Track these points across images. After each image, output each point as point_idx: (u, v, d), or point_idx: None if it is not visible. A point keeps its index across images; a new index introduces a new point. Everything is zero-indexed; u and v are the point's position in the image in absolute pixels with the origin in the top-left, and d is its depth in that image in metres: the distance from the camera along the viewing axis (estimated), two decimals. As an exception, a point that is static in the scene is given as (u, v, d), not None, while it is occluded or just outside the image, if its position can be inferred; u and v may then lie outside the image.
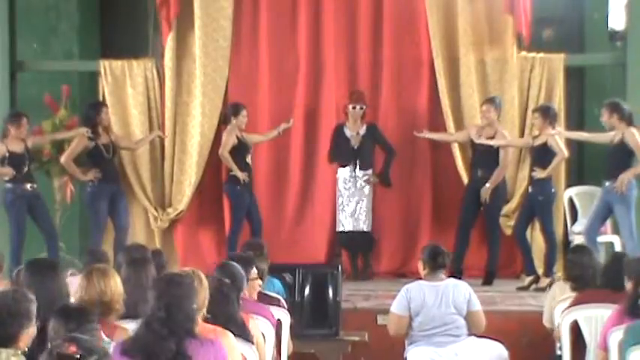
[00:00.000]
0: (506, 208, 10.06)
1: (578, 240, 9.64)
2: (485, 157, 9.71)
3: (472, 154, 9.96)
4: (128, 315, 5.18)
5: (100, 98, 10.42)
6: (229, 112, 10.04)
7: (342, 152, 10.11)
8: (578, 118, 10.80)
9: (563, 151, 9.43)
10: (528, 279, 9.60)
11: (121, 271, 5.70)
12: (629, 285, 5.89)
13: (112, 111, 10.29)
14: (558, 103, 10.11)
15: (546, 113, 9.53)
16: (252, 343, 5.20)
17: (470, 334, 6.80)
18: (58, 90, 10.48)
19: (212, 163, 10.33)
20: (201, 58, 10.34)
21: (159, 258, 6.65)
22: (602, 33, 11.02)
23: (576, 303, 6.50)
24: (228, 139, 9.86)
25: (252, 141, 10.09)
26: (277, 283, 7.22)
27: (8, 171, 9.43)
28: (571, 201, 10.40)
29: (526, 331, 8.15)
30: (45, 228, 9.65)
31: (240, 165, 9.85)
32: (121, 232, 9.87)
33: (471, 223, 9.85)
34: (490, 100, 9.82)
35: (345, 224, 10.10)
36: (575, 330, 6.42)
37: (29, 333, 4.16)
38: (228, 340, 4.63)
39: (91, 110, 9.88)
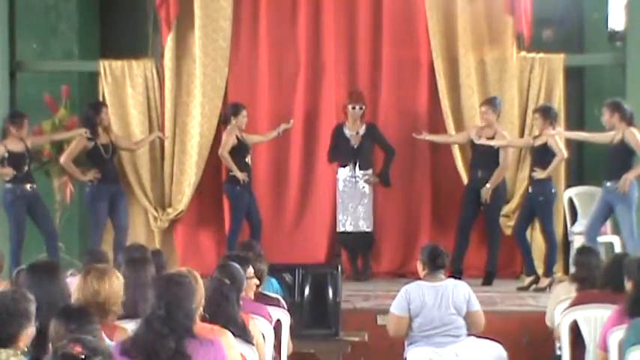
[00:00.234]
0: (507, 208, 10.07)
1: (578, 240, 9.64)
2: (485, 158, 9.71)
3: (472, 155, 9.96)
4: (127, 315, 5.18)
5: (100, 98, 10.42)
6: (229, 112, 10.04)
7: (342, 152, 10.11)
8: (577, 119, 10.80)
9: (562, 152, 9.43)
10: (528, 279, 9.59)
11: (120, 271, 5.68)
12: (629, 285, 5.89)
13: (112, 111, 10.29)
14: (558, 104, 10.11)
15: (546, 113, 9.53)
16: (253, 344, 5.20)
17: (469, 335, 6.81)
18: (58, 90, 10.48)
19: (212, 163, 10.33)
20: (201, 59, 10.35)
21: (159, 258, 6.65)
22: (602, 33, 11.02)
23: (576, 303, 6.50)
24: (228, 139, 9.86)
25: (251, 141, 10.10)
26: (274, 282, 7.21)
27: (8, 171, 9.43)
28: (571, 201, 10.40)
29: (526, 332, 8.16)
30: (45, 228, 9.65)
31: (240, 165, 9.85)
32: (121, 233, 9.86)
33: (470, 223, 9.85)
34: (489, 101, 9.82)
35: (346, 225, 10.10)
36: (575, 330, 6.42)
37: (28, 333, 4.16)
38: (227, 339, 4.64)
39: (90, 110, 9.87)
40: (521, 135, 10.17)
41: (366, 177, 10.10)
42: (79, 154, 9.80)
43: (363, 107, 10.14)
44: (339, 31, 10.52)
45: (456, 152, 10.18)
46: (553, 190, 9.59)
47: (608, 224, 9.78)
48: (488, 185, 9.65)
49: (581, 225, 9.96)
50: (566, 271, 9.84)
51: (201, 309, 4.77)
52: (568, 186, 10.37)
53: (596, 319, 6.26)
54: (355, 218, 10.08)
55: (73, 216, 10.65)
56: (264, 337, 5.63)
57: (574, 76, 10.85)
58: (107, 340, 4.58)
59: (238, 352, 4.80)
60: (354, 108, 10.11)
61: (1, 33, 10.41)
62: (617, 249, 9.40)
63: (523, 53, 10.30)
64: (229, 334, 4.71)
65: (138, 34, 10.98)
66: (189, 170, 10.38)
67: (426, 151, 10.49)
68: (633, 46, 10.15)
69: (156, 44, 10.64)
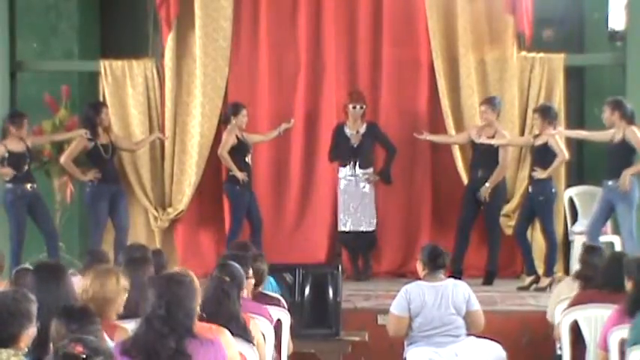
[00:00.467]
0: (507, 208, 10.07)
1: (578, 240, 9.63)
2: (485, 157, 9.71)
3: (472, 154, 9.96)
4: (128, 315, 5.18)
5: (100, 98, 10.42)
6: (229, 112, 10.04)
7: (342, 151, 10.11)
8: (578, 118, 10.79)
9: (563, 152, 9.42)
10: (529, 279, 9.59)
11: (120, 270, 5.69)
12: (629, 285, 5.89)
13: (112, 111, 10.29)
14: (558, 103, 10.11)
15: (547, 113, 9.53)
16: (253, 343, 5.20)
17: (469, 334, 6.81)
18: (58, 90, 10.48)
19: (212, 163, 10.33)
20: (201, 58, 10.35)
21: (159, 258, 6.66)
22: (602, 33, 11.02)
23: (576, 303, 6.50)
24: (228, 139, 9.86)
25: (252, 141, 10.10)
26: (272, 281, 7.20)
27: (9, 171, 9.43)
28: (571, 201, 10.40)
29: (526, 331, 8.16)
30: (45, 228, 9.65)
31: (240, 165, 9.85)
32: (121, 232, 9.86)
33: (470, 223, 9.85)
34: (488, 100, 9.83)
35: (347, 224, 10.10)
36: (575, 330, 6.42)
37: (29, 333, 4.15)
38: (226, 337, 4.64)
39: (91, 110, 9.87)
40: (522, 135, 10.17)
41: (367, 176, 10.10)
42: (79, 154, 9.80)
43: (364, 106, 10.14)
44: (340, 31, 10.52)
45: (457, 153, 10.18)
46: (553, 190, 9.59)
47: (609, 224, 9.78)
48: (487, 184, 9.65)
49: (581, 225, 9.97)
50: (566, 270, 9.85)
51: (198, 308, 4.78)
52: (568, 185, 10.37)
53: (597, 318, 6.26)
54: (356, 218, 10.07)
55: (74, 216, 10.65)
56: (264, 336, 5.63)
57: (574, 75, 10.85)
58: (108, 340, 4.58)
59: (237, 351, 4.80)
60: (354, 107, 10.10)
61: (1, 33, 10.41)
62: (618, 249, 9.39)
63: (523, 53, 10.30)
64: (227, 332, 4.71)
65: (138, 33, 10.98)
66: (190, 170, 10.38)
67: (426, 151, 10.49)
68: (633, 46, 10.15)
69: (156, 44, 10.64)
